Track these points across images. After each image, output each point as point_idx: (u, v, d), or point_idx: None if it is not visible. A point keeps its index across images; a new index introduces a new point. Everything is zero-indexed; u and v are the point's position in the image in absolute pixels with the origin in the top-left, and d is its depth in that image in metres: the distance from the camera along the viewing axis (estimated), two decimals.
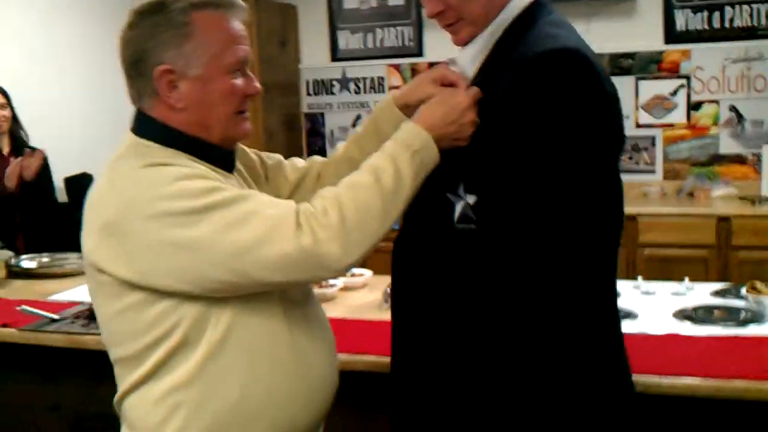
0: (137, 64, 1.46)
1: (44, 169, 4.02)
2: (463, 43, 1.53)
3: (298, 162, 1.81)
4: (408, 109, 1.61)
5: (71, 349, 2.42)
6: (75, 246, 3.92)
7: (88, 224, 1.46)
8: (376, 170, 1.42)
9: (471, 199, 1.39)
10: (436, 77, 1.55)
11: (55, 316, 2.54)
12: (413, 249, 1.53)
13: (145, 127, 1.50)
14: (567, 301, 1.36)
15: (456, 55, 1.57)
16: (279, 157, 1.81)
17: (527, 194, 1.33)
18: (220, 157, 1.53)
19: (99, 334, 2.31)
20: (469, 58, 1.52)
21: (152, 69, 1.44)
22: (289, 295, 1.53)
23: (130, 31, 1.47)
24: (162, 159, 1.44)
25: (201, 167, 1.47)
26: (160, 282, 1.39)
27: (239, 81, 1.49)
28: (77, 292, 2.91)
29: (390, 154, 1.44)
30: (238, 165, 1.64)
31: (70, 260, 3.42)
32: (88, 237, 1.46)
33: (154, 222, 1.36)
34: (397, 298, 1.57)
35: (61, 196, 4.24)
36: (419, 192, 1.45)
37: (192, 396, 1.45)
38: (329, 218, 1.37)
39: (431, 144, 1.44)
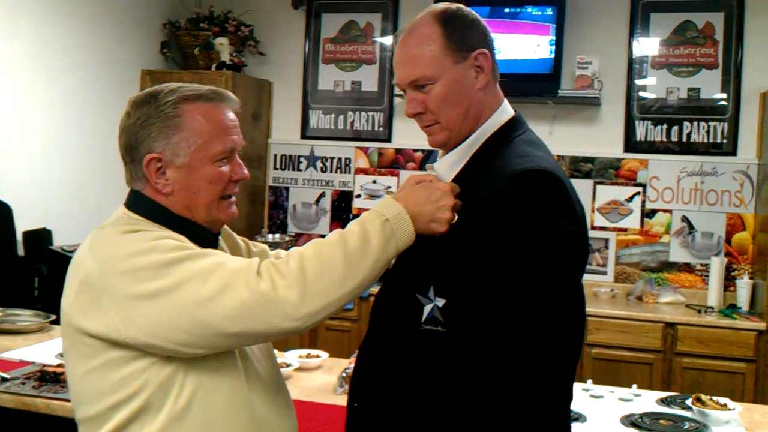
0: (130, 151, 1.56)
1: (8, 224, 4.00)
2: (437, 144, 1.62)
3: (282, 253, 1.87)
4: None
5: (20, 411, 2.39)
6: (28, 302, 3.89)
7: (68, 283, 1.52)
8: (344, 231, 1.48)
9: (440, 302, 1.45)
10: (418, 180, 1.64)
11: (6, 375, 2.51)
12: (379, 345, 1.58)
13: (137, 203, 1.58)
14: (525, 405, 1.41)
15: (434, 154, 1.66)
16: (264, 247, 1.89)
17: (497, 302, 1.39)
18: (204, 238, 1.60)
19: (50, 398, 2.33)
20: (446, 166, 1.61)
21: (143, 156, 1.53)
22: (254, 372, 1.57)
23: (127, 119, 1.56)
24: (143, 227, 1.51)
25: (182, 237, 1.53)
26: (131, 336, 1.42)
27: (225, 168, 1.56)
28: (29, 351, 2.88)
29: (361, 219, 1.50)
30: (225, 247, 1.71)
31: (22, 317, 3.39)
32: (66, 296, 1.51)
33: (126, 277, 1.43)
34: (359, 390, 1.61)
35: (19, 249, 4.20)
36: (389, 291, 1.51)
37: None
38: (289, 267, 1.42)
39: (405, 217, 1.48)
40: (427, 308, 1.47)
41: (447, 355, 1.43)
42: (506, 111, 1.63)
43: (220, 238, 1.70)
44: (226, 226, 1.76)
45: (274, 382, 1.65)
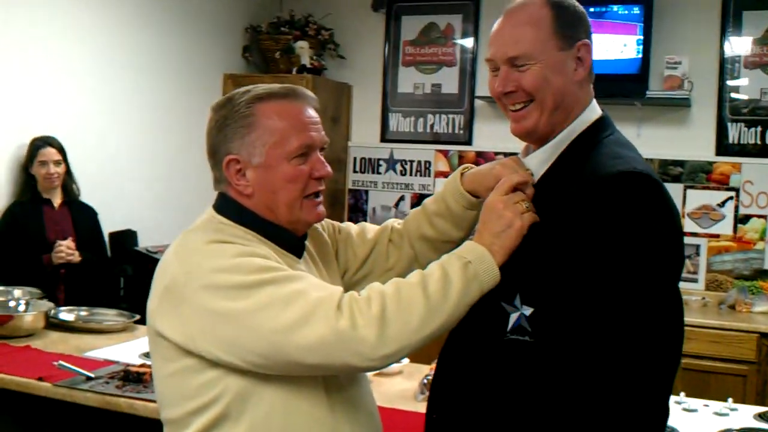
0: (213, 155, 1.58)
1: (95, 226, 4.09)
2: (523, 132, 1.53)
3: (368, 232, 1.81)
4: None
5: (104, 410, 2.41)
6: (113, 301, 3.97)
7: (154, 287, 1.53)
8: (425, 274, 1.44)
9: (527, 310, 1.39)
10: (500, 175, 1.56)
11: (91, 374, 2.54)
12: (461, 355, 1.52)
13: (224, 205, 1.59)
14: (619, 421, 1.34)
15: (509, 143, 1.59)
16: (349, 230, 1.82)
17: (590, 311, 1.32)
18: (290, 242, 1.58)
19: (132, 398, 2.35)
20: (534, 164, 1.54)
21: (222, 158, 1.54)
22: (336, 383, 1.53)
23: (208, 124, 1.58)
24: (229, 237, 1.50)
25: (267, 250, 1.51)
26: (206, 349, 1.43)
27: (304, 166, 1.54)
28: (113, 351, 2.92)
29: (441, 262, 1.46)
30: (310, 247, 1.68)
31: (108, 316, 3.45)
32: (152, 298, 1.53)
33: (207, 292, 1.42)
34: (439, 401, 1.56)
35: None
36: None
37: None
38: (370, 306, 1.39)
39: (487, 257, 1.44)
40: (513, 317, 1.40)
41: (534, 366, 1.37)
42: (595, 110, 1.56)
43: (306, 242, 1.65)
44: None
45: (357, 395, 1.61)
